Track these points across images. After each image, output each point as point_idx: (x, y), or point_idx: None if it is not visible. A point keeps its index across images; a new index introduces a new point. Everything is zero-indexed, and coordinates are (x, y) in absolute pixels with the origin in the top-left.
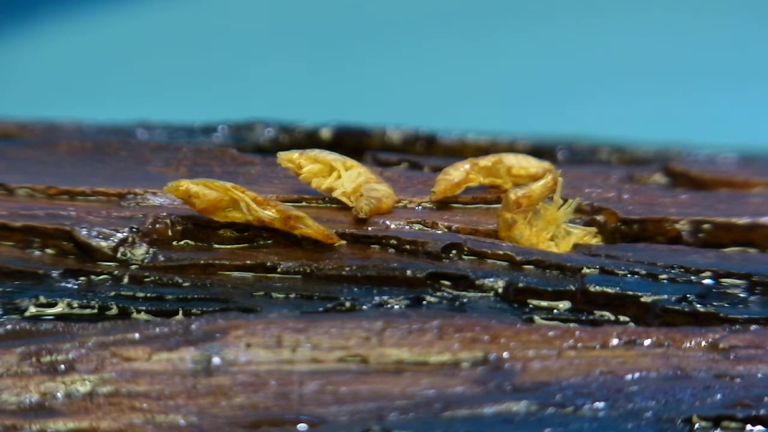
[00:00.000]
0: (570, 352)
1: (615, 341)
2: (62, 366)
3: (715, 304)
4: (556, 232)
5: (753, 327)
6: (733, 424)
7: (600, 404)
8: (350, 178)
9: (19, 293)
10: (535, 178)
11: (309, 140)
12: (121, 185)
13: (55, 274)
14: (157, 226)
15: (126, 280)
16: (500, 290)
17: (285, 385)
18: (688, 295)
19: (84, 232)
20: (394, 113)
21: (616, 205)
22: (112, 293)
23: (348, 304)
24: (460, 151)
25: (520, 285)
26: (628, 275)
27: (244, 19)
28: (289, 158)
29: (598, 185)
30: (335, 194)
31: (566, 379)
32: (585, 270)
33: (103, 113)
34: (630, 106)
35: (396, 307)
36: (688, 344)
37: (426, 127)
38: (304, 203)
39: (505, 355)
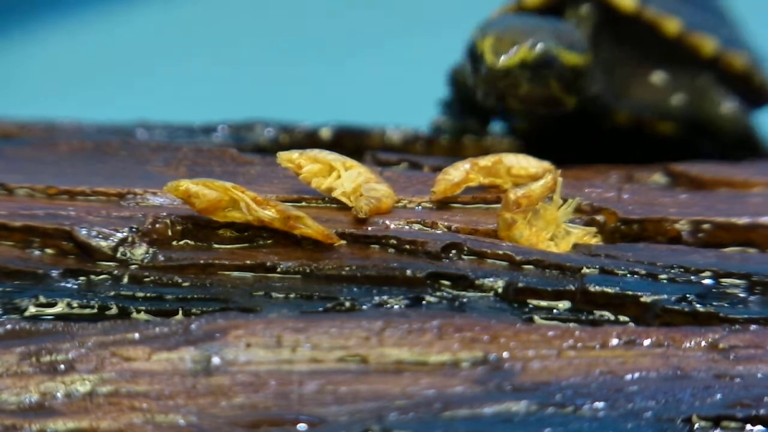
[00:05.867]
0: (570, 352)
1: (615, 341)
2: (62, 366)
3: (714, 304)
4: (555, 232)
5: (753, 327)
6: (733, 424)
7: (600, 404)
8: (350, 178)
9: (19, 293)
10: (535, 178)
11: (309, 140)
12: (121, 185)
13: (54, 273)
14: (157, 226)
15: (126, 280)
16: (500, 290)
17: (285, 385)
18: (687, 295)
19: (84, 231)
20: (393, 113)
21: (616, 205)
22: (112, 293)
23: (348, 304)
24: (460, 151)
25: (520, 285)
26: (628, 275)
27: (244, 18)
28: (289, 158)
29: (598, 185)
30: (335, 194)
31: (566, 379)
32: (585, 270)
33: (103, 113)
34: None
35: (396, 307)
36: (688, 344)
37: (426, 127)
38: (304, 203)
39: (505, 355)
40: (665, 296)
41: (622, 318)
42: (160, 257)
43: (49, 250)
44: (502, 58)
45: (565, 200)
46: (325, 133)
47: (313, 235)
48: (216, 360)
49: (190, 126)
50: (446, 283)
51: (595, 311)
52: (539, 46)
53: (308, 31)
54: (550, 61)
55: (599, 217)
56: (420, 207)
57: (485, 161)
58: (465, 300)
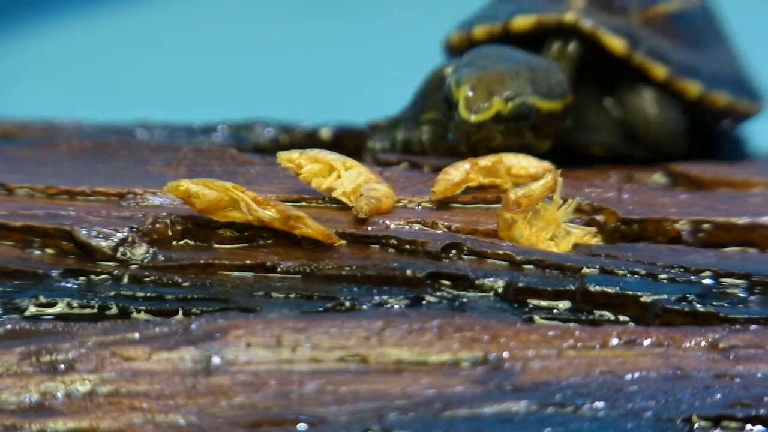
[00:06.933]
0: (570, 352)
1: (615, 341)
2: (62, 366)
3: (715, 303)
4: (555, 232)
5: (753, 327)
6: (733, 424)
7: (600, 404)
8: (350, 178)
9: (19, 293)
10: (535, 177)
11: (309, 140)
12: (121, 185)
13: (54, 273)
14: (157, 225)
15: (126, 279)
16: (500, 290)
17: (285, 385)
18: (687, 295)
19: (84, 231)
20: (393, 113)
21: (616, 205)
22: (112, 293)
23: (348, 303)
24: (460, 152)
25: (520, 285)
26: (628, 275)
27: (245, 18)
28: (289, 158)
29: (598, 185)
30: (335, 194)
31: (566, 379)
32: (585, 270)
33: (103, 113)
34: None
35: (396, 306)
36: (687, 344)
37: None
38: (304, 203)
39: (505, 354)
40: (665, 296)
41: (622, 318)
42: (160, 257)
43: (49, 250)
44: (475, 112)
45: (565, 200)
46: (325, 133)
47: (313, 235)
48: (216, 360)
49: (190, 126)
50: (446, 283)
51: (595, 311)
52: (515, 100)
53: (308, 30)
54: (525, 114)
55: (599, 217)
56: (420, 207)
57: (485, 161)
58: (465, 300)
